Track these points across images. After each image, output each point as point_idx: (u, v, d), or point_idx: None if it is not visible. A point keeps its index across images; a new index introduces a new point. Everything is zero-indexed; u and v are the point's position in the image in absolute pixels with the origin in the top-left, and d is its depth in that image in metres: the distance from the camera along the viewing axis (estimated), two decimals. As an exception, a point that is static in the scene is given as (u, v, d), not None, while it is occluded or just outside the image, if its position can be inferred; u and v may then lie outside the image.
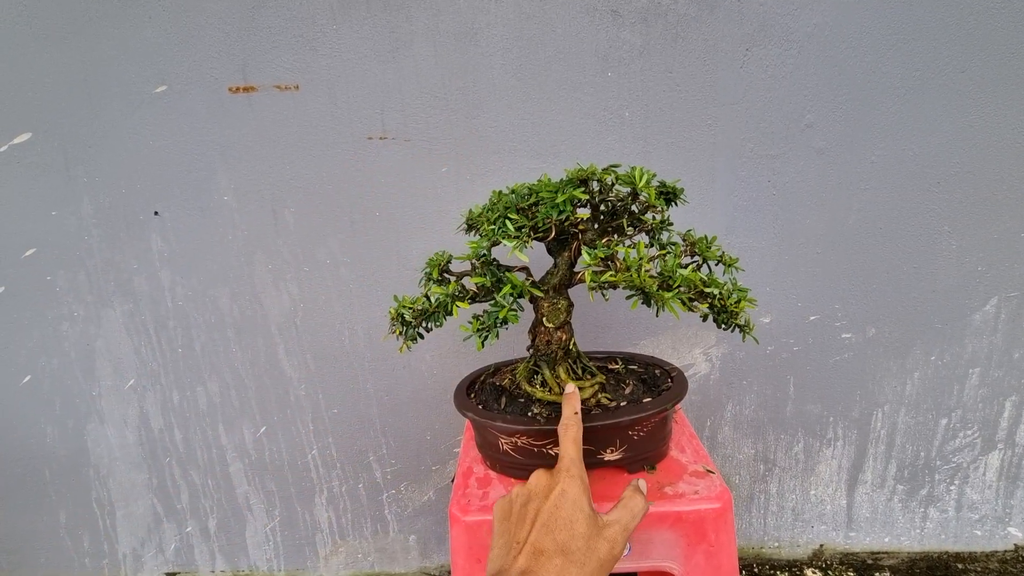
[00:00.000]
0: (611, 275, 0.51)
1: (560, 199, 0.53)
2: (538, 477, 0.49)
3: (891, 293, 0.92)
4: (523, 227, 0.53)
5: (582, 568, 0.42)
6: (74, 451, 1.01)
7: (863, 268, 0.91)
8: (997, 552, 1.05)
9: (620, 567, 0.58)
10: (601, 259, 0.53)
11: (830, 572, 1.05)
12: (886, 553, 1.06)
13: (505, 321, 0.53)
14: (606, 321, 0.95)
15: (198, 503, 1.05)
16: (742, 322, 0.58)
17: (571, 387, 0.58)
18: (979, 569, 1.04)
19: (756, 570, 1.07)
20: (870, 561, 1.06)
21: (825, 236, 0.90)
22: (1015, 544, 1.05)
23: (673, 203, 0.60)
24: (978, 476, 1.02)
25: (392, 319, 0.61)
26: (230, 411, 1.00)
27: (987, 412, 0.98)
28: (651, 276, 0.51)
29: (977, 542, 1.05)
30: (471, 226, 0.64)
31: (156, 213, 0.90)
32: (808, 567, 1.07)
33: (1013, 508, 1.03)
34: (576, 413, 0.54)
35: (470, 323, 0.55)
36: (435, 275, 0.62)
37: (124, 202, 0.90)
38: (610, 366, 0.69)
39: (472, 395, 0.68)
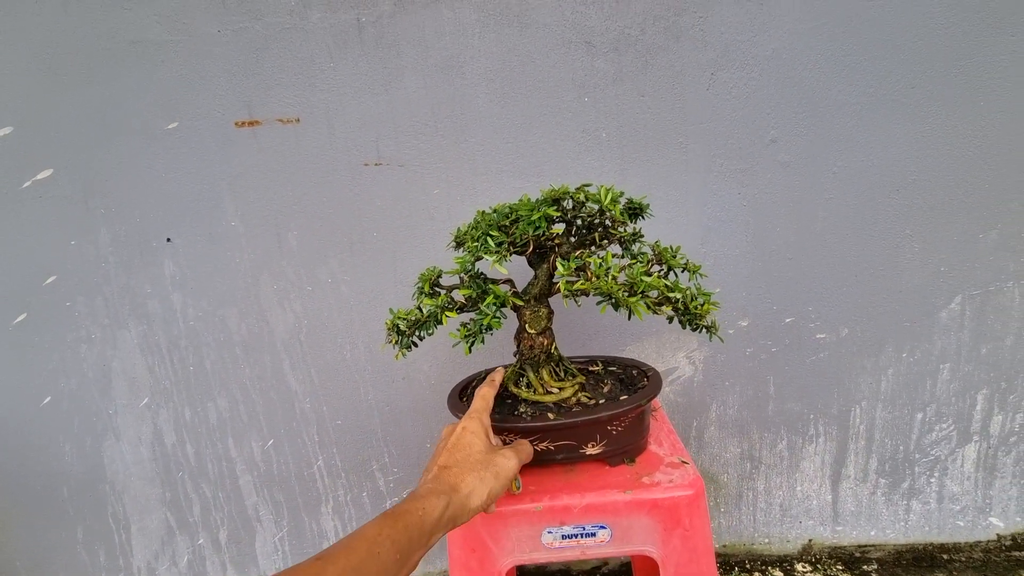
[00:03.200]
0: (582, 283, 0.56)
1: (535, 216, 0.59)
2: (447, 428, 0.61)
3: (861, 294, 0.98)
4: (503, 243, 0.59)
5: (476, 473, 0.54)
6: (91, 468, 1.06)
7: (833, 271, 0.97)
8: (980, 542, 1.09)
9: (603, 552, 0.63)
10: (575, 269, 0.59)
11: (819, 566, 1.09)
12: (873, 546, 1.10)
13: (489, 327, 0.59)
14: (594, 328, 1.00)
15: (209, 515, 1.09)
16: (708, 323, 0.64)
17: (499, 369, 0.70)
18: (963, 559, 1.07)
19: (748, 566, 1.10)
20: (858, 554, 1.10)
21: (795, 242, 0.96)
22: (997, 533, 1.08)
23: (640, 217, 0.66)
24: (956, 468, 1.06)
25: (388, 329, 0.67)
26: (239, 425, 1.05)
27: (960, 406, 1.02)
28: (618, 283, 0.57)
29: (960, 533, 1.09)
30: (459, 243, 0.70)
31: (168, 240, 0.97)
32: (799, 561, 1.10)
33: (992, 499, 1.07)
34: (492, 381, 0.65)
35: (458, 330, 0.60)
36: (427, 288, 0.68)
37: (139, 230, 0.96)
38: (591, 368, 0.74)
39: (464, 399, 0.73)
